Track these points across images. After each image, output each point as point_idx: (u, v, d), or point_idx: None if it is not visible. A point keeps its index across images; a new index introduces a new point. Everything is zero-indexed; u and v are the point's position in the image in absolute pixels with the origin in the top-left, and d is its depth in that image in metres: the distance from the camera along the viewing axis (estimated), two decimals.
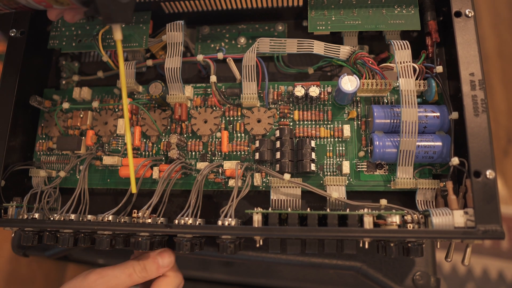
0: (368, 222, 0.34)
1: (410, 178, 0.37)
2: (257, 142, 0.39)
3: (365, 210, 0.35)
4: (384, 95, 0.41)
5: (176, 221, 0.36)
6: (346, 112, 0.41)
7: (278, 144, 0.39)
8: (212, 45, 0.46)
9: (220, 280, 0.59)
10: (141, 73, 0.47)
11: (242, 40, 0.46)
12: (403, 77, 0.37)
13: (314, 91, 0.40)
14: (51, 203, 0.42)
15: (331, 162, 0.40)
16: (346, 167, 0.39)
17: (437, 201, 0.37)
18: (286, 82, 0.43)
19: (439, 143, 0.37)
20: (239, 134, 0.42)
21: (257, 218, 0.35)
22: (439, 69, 0.38)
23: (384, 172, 0.40)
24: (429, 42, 0.40)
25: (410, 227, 0.34)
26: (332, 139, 0.41)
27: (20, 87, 0.42)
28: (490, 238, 0.32)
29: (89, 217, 0.39)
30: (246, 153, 0.42)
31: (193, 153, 0.42)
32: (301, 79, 0.45)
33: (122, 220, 0.39)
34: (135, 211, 0.38)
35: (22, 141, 0.43)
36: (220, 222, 0.35)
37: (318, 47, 0.40)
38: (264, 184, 0.40)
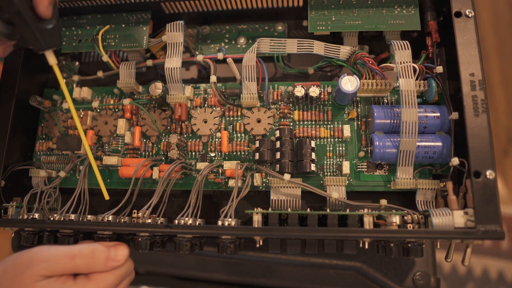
0: (368, 222, 0.34)
1: (410, 178, 0.37)
2: (257, 142, 0.39)
3: (365, 210, 0.35)
4: (384, 95, 0.41)
5: (176, 221, 0.36)
6: (346, 112, 0.41)
7: (278, 144, 0.39)
8: (212, 45, 0.46)
9: (220, 280, 0.59)
10: (141, 73, 0.47)
11: (242, 40, 0.46)
12: (403, 77, 0.37)
13: (314, 91, 0.40)
14: (51, 203, 0.42)
15: (331, 162, 0.40)
16: (346, 167, 0.39)
17: (437, 201, 0.37)
18: (286, 82, 0.43)
19: (439, 143, 0.37)
20: (239, 134, 0.42)
21: (257, 218, 0.35)
22: (439, 69, 0.38)
23: (384, 172, 0.40)
24: (429, 42, 0.40)
25: (410, 227, 0.34)
26: (332, 139, 0.41)
27: (20, 87, 0.42)
28: (490, 239, 0.31)
29: (89, 217, 0.39)
30: (246, 153, 0.42)
31: (193, 153, 0.42)
32: (301, 79, 0.45)
33: (122, 220, 0.39)
34: (135, 211, 0.38)
35: (22, 141, 0.43)
36: (220, 222, 0.35)
37: (318, 47, 0.40)
38: (264, 184, 0.40)
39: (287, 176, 0.37)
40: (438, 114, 0.38)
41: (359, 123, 0.41)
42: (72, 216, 0.39)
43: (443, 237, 0.33)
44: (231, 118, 0.43)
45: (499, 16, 0.97)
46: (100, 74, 0.46)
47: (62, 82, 0.36)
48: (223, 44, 0.46)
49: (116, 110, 0.45)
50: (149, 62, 0.44)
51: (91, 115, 0.44)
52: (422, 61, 0.39)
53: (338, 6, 0.41)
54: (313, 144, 0.39)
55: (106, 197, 0.38)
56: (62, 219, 0.38)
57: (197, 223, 0.37)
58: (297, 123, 0.42)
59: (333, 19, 0.41)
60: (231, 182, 0.40)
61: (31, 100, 0.43)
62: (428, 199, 0.38)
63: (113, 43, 0.44)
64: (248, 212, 0.36)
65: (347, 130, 0.40)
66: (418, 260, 0.44)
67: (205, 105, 0.43)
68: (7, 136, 0.41)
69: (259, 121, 0.42)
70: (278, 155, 0.38)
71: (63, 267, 0.33)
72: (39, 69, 0.47)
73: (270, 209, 0.37)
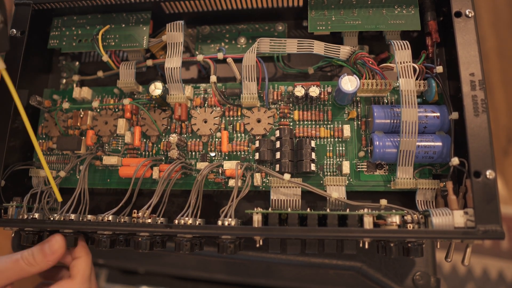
0: (368, 222, 0.34)
1: (410, 178, 0.37)
2: (257, 142, 0.39)
3: (365, 210, 0.35)
4: (384, 95, 0.41)
5: (176, 221, 0.36)
6: (346, 112, 0.41)
7: (278, 144, 0.39)
8: (212, 45, 0.46)
9: (220, 280, 0.59)
10: (141, 73, 0.47)
11: (242, 40, 0.46)
12: (403, 77, 0.37)
13: (314, 91, 0.40)
14: (51, 203, 0.42)
15: (331, 162, 0.40)
16: (346, 167, 0.39)
17: (437, 201, 0.37)
18: (286, 82, 0.43)
19: (439, 143, 0.37)
20: (239, 134, 0.42)
21: (257, 218, 0.35)
22: (439, 69, 0.38)
23: (384, 172, 0.40)
24: (429, 42, 0.40)
25: (410, 227, 0.34)
26: (332, 139, 0.41)
27: (20, 87, 0.42)
28: (490, 238, 0.32)
29: (89, 217, 0.39)
30: (246, 153, 0.42)
31: (193, 153, 0.42)
32: (301, 79, 0.45)
33: (122, 220, 0.39)
34: (135, 211, 0.38)
35: (22, 141, 0.43)
36: (220, 222, 0.35)
37: (318, 47, 0.40)
38: (264, 184, 0.40)
39: (287, 176, 0.37)
40: (438, 114, 0.38)
41: (359, 123, 0.41)
42: (72, 216, 0.39)
43: (443, 237, 0.33)
44: (231, 118, 0.43)
45: (499, 16, 0.97)
46: (100, 74, 0.46)
47: (11, 87, 0.34)
48: (223, 44, 0.46)
49: (116, 110, 0.45)
50: (149, 62, 0.44)
51: (91, 115, 0.44)
52: (422, 61, 0.39)
53: (338, 6, 0.41)
54: (313, 144, 0.39)
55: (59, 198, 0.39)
56: (62, 219, 0.38)
57: (197, 223, 0.37)
58: (297, 123, 0.42)
59: (333, 19, 0.41)
60: (231, 182, 0.40)
61: (31, 100, 0.43)
62: (428, 199, 0.38)
63: (113, 43, 0.44)
64: (248, 212, 0.36)
65: (347, 130, 0.40)
66: (418, 260, 0.44)
67: (205, 105, 0.43)
68: (7, 136, 0.41)
69: (259, 121, 0.42)
70: (278, 155, 0.38)
71: (11, 273, 0.37)
72: (39, 69, 0.47)
73: (270, 209, 0.37)
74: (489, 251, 0.84)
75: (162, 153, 0.43)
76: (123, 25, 0.44)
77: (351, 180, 0.40)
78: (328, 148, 0.41)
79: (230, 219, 0.35)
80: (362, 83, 0.38)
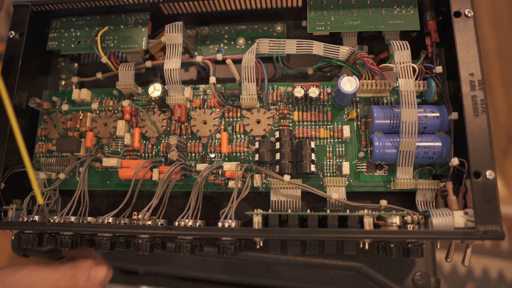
0: (368, 223, 0.34)
1: (410, 179, 0.37)
2: (257, 143, 0.39)
3: (365, 211, 0.35)
4: (384, 96, 0.41)
5: (176, 223, 0.36)
6: (345, 112, 0.41)
7: (277, 145, 0.39)
8: (211, 46, 0.46)
9: (220, 280, 0.59)
10: (140, 75, 0.47)
11: (241, 41, 0.46)
12: (402, 78, 0.37)
13: (313, 91, 0.40)
14: (51, 205, 0.42)
15: (331, 163, 0.40)
16: (346, 167, 0.39)
17: (437, 201, 0.37)
18: (285, 83, 0.43)
19: (439, 144, 0.37)
20: (238, 135, 0.42)
21: (257, 220, 0.35)
22: (439, 69, 0.38)
23: (384, 173, 0.40)
24: (428, 42, 0.40)
25: (410, 228, 0.34)
26: (331, 140, 0.41)
27: (19, 88, 0.42)
28: (490, 239, 0.31)
29: (89, 219, 0.39)
30: (246, 154, 0.42)
31: (193, 154, 0.42)
32: (301, 80, 0.45)
33: (122, 222, 0.39)
34: (135, 213, 0.38)
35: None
36: (220, 224, 0.35)
37: (318, 48, 0.40)
38: (264, 186, 0.40)
39: (287, 177, 0.37)
40: (438, 114, 0.38)
41: (359, 123, 0.41)
42: (72, 218, 0.39)
43: (443, 238, 0.33)
44: (231, 119, 0.43)
45: (499, 16, 0.97)
46: (99, 75, 0.46)
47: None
48: (222, 45, 0.46)
49: (116, 111, 0.44)
50: (148, 63, 0.44)
51: (90, 116, 0.44)
52: (422, 61, 0.39)
53: (337, 6, 0.41)
54: (312, 144, 0.39)
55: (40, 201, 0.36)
56: (62, 221, 0.38)
57: (197, 224, 0.37)
58: (297, 123, 0.42)
59: (332, 19, 0.41)
60: (231, 183, 0.40)
61: (30, 102, 0.43)
62: (428, 199, 0.38)
63: (112, 45, 0.44)
64: (248, 214, 0.36)
65: (346, 131, 0.40)
66: (418, 260, 0.44)
67: (205, 106, 0.43)
68: (6, 138, 0.41)
69: (258, 122, 0.42)
70: (278, 156, 0.38)
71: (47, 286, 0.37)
72: (38, 70, 0.47)
73: (270, 210, 0.37)
74: (489, 251, 0.84)
75: (162, 154, 0.43)
76: (122, 27, 0.44)
77: (351, 180, 0.40)
78: (328, 149, 0.41)
79: (230, 221, 0.35)
80: (362, 83, 0.38)
